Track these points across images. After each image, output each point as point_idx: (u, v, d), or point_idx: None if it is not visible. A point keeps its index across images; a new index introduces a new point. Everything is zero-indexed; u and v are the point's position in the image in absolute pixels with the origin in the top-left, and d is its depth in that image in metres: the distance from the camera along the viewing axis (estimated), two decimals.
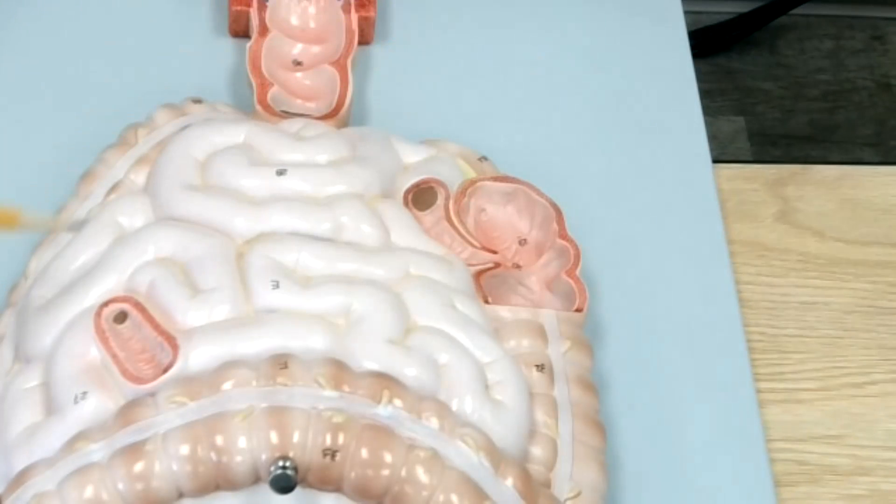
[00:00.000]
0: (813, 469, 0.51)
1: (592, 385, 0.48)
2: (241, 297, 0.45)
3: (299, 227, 0.47)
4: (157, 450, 0.41)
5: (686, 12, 0.63)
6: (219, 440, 0.41)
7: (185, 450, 0.41)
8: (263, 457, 0.41)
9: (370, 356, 0.44)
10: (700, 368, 0.52)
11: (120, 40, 0.59)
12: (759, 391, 0.52)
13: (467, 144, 0.54)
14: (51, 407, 0.44)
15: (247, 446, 0.41)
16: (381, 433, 0.41)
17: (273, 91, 0.54)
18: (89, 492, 0.40)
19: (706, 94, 0.60)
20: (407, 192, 0.50)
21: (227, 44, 0.59)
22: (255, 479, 0.41)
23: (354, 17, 0.57)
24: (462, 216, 0.50)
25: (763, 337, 0.54)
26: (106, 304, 0.45)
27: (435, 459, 0.41)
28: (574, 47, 0.61)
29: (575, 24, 0.62)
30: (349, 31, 0.57)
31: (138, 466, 0.40)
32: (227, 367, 0.42)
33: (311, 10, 0.57)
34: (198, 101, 0.54)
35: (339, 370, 0.42)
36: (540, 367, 0.47)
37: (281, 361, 0.42)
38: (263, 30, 0.56)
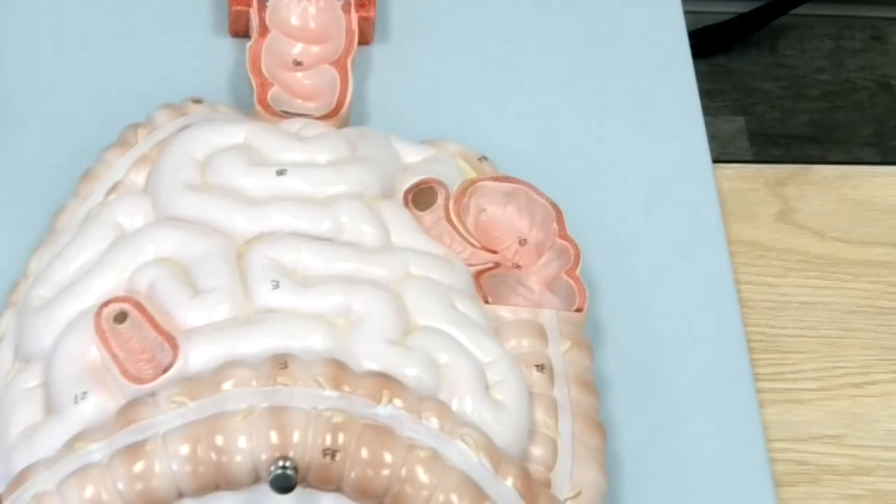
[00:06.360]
0: (813, 469, 0.51)
1: (592, 385, 0.48)
2: (241, 297, 0.45)
3: (299, 227, 0.47)
4: (157, 450, 0.41)
5: (686, 12, 0.63)
6: (219, 440, 0.41)
7: (185, 450, 0.41)
8: (263, 457, 0.41)
9: (370, 356, 0.44)
10: (700, 368, 0.52)
11: (120, 40, 0.59)
12: (759, 391, 0.52)
13: (467, 144, 0.54)
14: (51, 407, 0.44)
15: (247, 446, 0.41)
16: (381, 433, 0.41)
17: (273, 91, 0.54)
18: (89, 492, 0.40)
19: (706, 94, 0.60)
20: (407, 192, 0.50)
21: (227, 44, 0.59)
22: (255, 479, 0.41)
23: (354, 17, 0.57)
24: (462, 216, 0.50)
25: (763, 337, 0.54)
26: (106, 304, 0.45)
27: (435, 459, 0.41)
28: (574, 47, 0.61)
29: (575, 25, 0.62)
30: (349, 31, 0.57)
31: (138, 466, 0.40)
32: (227, 367, 0.42)
33: (311, 10, 0.57)
34: (198, 101, 0.54)
35: (339, 370, 0.42)
36: (540, 367, 0.47)
37: (281, 361, 0.42)
38: (263, 30, 0.56)
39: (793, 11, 1.08)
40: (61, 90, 0.57)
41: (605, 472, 0.46)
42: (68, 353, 0.44)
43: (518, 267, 0.50)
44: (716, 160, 0.58)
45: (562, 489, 0.45)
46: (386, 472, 0.41)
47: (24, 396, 0.45)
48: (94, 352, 0.44)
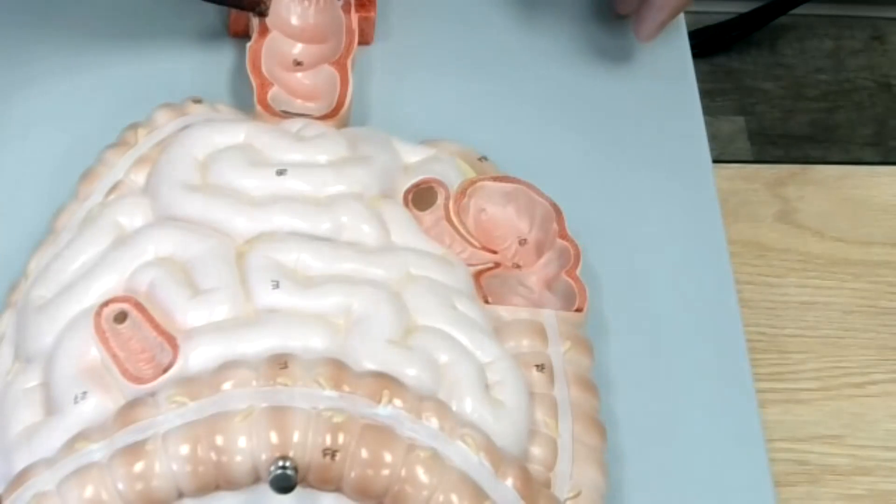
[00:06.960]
0: (813, 469, 0.51)
1: (592, 385, 0.48)
2: (241, 297, 0.45)
3: (299, 227, 0.47)
4: (157, 450, 0.41)
5: (686, 12, 0.63)
6: (219, 440, 0.41)
7: (185, 450, 0.41)
8: (263, 457, 0.41)
9: (370, 356, 0.44)
10: (700, 368, 0.52)
11: (120, 40, 0.59)
12: (759, 391, 0.52)
13: (467, 144, 0.54)
14: (51, 407, 0.44)
15: (247, 446, 0.41)
16: (381, 433, 0.41)
17: (273, 91, 0.54)
18: (89, 492, 0.40)
19: (706, 94, 0.60)
20: (407, 192, 0.50)
21: (227, 44, 0.59)
22: (255, 479, 0.41)
23: (354, 17, 0.57)
24: (462, 216, 0.50)
25: (763, 337, 0.54)
26: (106, 304, 0.45)
27: (435, 459, 0.41)
28: (574, 47, 0.61)
29: (575, 24, 0.62)
30: (349, 31, 0.57)
31: (138, 466, 0.40)
32: (227, 367, 0.42)
33: (311, 10, 0.57)
34: (198, 101, 0.54)
35: (339, 370, 0.42)
36: (540, 367, 0.47)
37: (281, 361, 0.42)
38: (263, 30, 0.56)
39: (793, 11, 1.08)
40: (61, 90, 0.57)
41: (605, 472, 0.46)
42: (68, 353, 0.44)
43: (518, 267, 0.50)
44: (716, 160, 0.58)
45: (562, 489, 0.45)
46: (386, 472, 0.41)
47: (25, 396, 0.45)
48: (94, 352, 0.44)
